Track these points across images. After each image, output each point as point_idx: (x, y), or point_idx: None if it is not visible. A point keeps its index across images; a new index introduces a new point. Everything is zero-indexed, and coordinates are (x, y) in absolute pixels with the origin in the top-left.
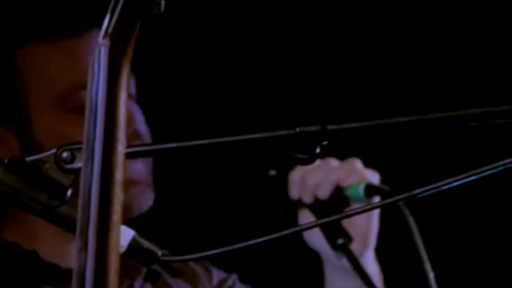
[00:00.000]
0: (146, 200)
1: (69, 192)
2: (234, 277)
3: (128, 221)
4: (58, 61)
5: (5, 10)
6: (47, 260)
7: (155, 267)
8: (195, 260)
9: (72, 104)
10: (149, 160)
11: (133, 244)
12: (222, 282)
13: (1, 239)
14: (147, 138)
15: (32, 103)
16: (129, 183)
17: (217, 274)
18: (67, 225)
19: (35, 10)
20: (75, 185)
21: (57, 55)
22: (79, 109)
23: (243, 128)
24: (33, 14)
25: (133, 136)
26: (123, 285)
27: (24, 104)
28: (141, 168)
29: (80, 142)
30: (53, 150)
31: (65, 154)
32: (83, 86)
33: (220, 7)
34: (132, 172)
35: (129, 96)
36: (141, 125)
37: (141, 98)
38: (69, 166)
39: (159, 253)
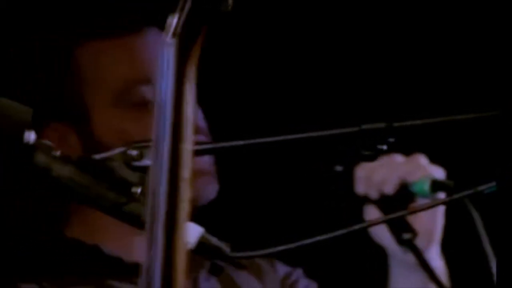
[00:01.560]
0: (210, 190)
1: (137, 190)
2: (299, 271)
3: (195, 217)
4: (116, 58)
5: (63, 9)
6: (110, 255)
7: (219, 261)
8: (263, 256)
9: (131, 100)
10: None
11: (201, 241)
12: (287, 276)
13: (63, 235)
14: (206, 133)
15: (91, 101)
16: (194, 174)
17: (282, 268)
18: (135, 222)
19: (93, 9)
20: (143, 182)
21: (115, 52)
22: (138, 105)
23: (310, 125)
24: (91, 12)
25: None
26: (188, 278)
27: (83, 101)
28: (205, 159)
29: (149, 140)
30: (122, 148)
31: (133, 152)
32: (141, 81)
33: (283, 4)
34: (196, 163)
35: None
36: (201, 121)
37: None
38: (137, 164)
39: (227, 249)
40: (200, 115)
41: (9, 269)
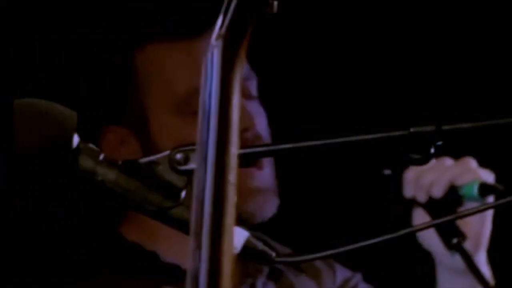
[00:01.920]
0: (270, 208)
1: (182, 194)
2: (358, 276)
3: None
4: (177, 62)
5: (124, 11)
6: (167, 261)
7: (279, 265)
8: (310, 260)
9: (192, 107)
10: (273, 167)
11: (247, 246)
12: (346, 281)
13: (122, 238)
14: (267, 140)
15: (151, 105)
16: (254, 191)
17: (341, 273)
18: (181, 226)
19: (154, 11)
20: (188, 186)
21: (176, 57)
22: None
23: (359, 129)
24: (152, 14)
25: (253, 139)
26: (245, 284)
27: (143, 105)
28: (267, 175)
29: (194, 144)
30: (167, 152)
31: (179, 156)
32: None
33: (337, 6)
34: (257, 180)
35: (251, 97)
36: (261, 128)
37: (264, 99)
38: (183, 168)
39: (273, 254)
40: (263, 120)
41: (67, 271)
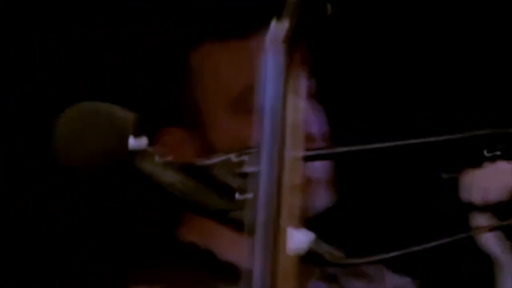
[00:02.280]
0: (323, 199)
1: (239, 196)
2: (408, 280)
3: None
4: (231, 62)
5: (179, 12)
6: (224, 259)
7: (330, 268)
8: (368, 263)
9: (248, 107)
10: (328, 162)
11: (310, 248)
12: (397, 286)
13: (178, 238)
14: (323, 140)
15: (207, 105)
16: (307, 182)
17: (391, 278)
18: (238, 227)
19: (208, 11)
20: (246, 188)
21: (230, 56)
22: (253, 111)
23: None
24: (206, 14)
25: (306, 139)
26: (298, 285)
27: (199, 105)
28: (320, 166)
29: (251, 147)
30: (225, 155)
31: (236, 158)
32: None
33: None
34: (311, 170)
35: (308, 98)
36: (316, 127)
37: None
38: (240, 170)
39: (335, 256)
40: (318, 119)
41: (123, 271)
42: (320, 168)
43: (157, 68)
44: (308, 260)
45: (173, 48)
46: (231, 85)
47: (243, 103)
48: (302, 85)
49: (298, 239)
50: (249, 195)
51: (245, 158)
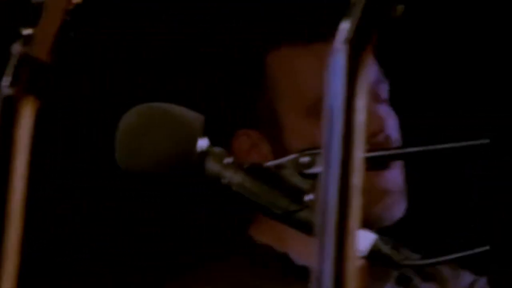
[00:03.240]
0: (398, 210)
1: (308, 197)
2: (483, 280)
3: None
4: (309, 65)
5: (256, 14)
6: (298, 263)
7: (407, 271)
8: (437, 264)
9: (323, 111)
10: (402, 168)
11: (374, 249)
12: (471, 285)
13: (253, 240)
14: (398, 143)
15: (283, 108)
16: (382, 193)
17: (466, 277)
18: (307, 229)
19: (286, 12)
20: (314, 190)
21: (308, 60)
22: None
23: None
24: (284, 16)
25: (384, 143)
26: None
27: (275, 108)
28: (396, 177)
29: (320, 147)
30: (293, 155)
31: (304, 159)
32: None
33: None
34: (386, 181)
35: (381, 100)
36: (393, 131)
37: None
38: (309, 171)
39: (400, 257)
40: (394, 123)
41: (200, 272)
42: (396, 180)
43: (233, 69)
44: (375, 261)
45: (250, 49)
46: (308, 89)
47: (321, 108)
48: (381, 87)
49: (361, 240)
50: (318, 196)
51: (314, 158)
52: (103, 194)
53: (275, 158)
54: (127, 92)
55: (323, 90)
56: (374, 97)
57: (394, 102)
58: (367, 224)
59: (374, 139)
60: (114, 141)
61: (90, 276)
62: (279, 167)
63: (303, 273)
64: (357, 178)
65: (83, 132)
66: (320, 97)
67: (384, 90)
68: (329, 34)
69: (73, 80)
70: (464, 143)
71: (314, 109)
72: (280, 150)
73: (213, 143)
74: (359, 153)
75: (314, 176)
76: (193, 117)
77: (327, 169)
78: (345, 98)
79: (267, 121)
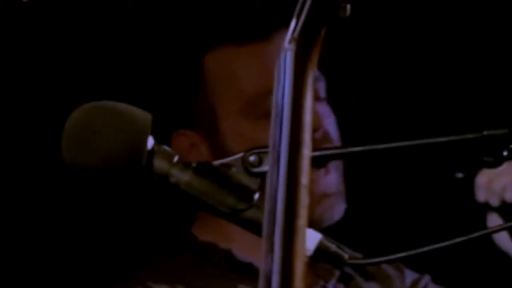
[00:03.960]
0: (337, 212)
1: (256, 196)
2: (426, 278)
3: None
4: (246, 65)
5: (192, 14)
6: (242, 260)
7: (348, 269)
8: (381, 263)
9: (262, 110)
10: (341, 170)
11: (320, 248)
12: (415, 283)
13: (196, 238)
14: (337, 142)
15: (221, 108)
16: (321, 196)
17: (409, 275)
18: (254, 228)
19: (222, 13)
20: (262, 188)
21: (245, 59)
22: (269, 115)
23: (431, 131)
24: (220, 16)
25: (322, 140)
26: (317, 286)
27: (213, 108)
28: (334, 180)
29: (267, 146)
30: (241, 154)
31: (252, 158)
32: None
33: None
34: (324, 185)
35: (319, 98)
36: (331, 129)
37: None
38: (256, 170)
39: (346, 256)
40: (332, 121)
41: (142, 270)
42: (334, 182)
43: (171, 70)
44: (320, 259)
45: (188, 49)
46: (246, 89)
47: (258, 107)
48: (319, 85)
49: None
50: (265, 195)
51: (261, 157)
52: (47, 193)
53: (214, 158)
54: (66, 91)
55: (262, 90)
56: (313, 95)
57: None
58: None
59: (312, 138)
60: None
61: (34, 276)
62: (226, 165)
63: (247, 269)
64: (305, 177)
65: (25, 131)
66: (258, 97)
67: (322, 88)
68: (268, 33)
69: (17, 79)
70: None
71: (252, 109)
72: (218, 150)
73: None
74: (307, 152)
75: (262, 175)
76: (142, 115)
77: (275, 167)
78: (292, 96)
79: (206, 121)
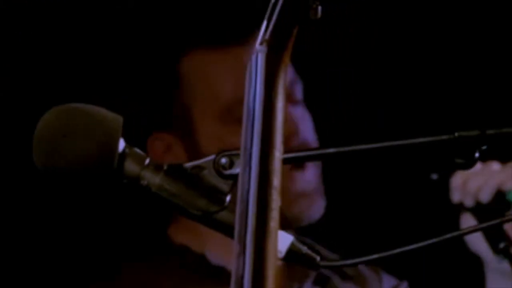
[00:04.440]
0: (316, 210)
1: (227, 198)
2: (405, 284)
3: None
4: (224, 69)
5: (170, 16)
6: (215, 263)
7: (325, 270)
8: (355, 265)
9: (238, 114)
10: (319, 169)
11: (291, 249)
12: None
13: (170, 240)
14: (314, 144)
15: (197, 112)
16: (299, 195)
17: (387, 280)
18: (226, 230)
19: (201, 16)
20: (233, 191)
21: (223, 63)
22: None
23: (405, 133)
24: (199, 20)
25: (299, 145)
26: None
27: (189, 112)
28: (311, 179)
29: (239, 148)
30: (212, 156)
31: (223, 160)
32: None
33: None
34: (302, 183)
35: (296, 101)
36: (308, 134)
37: (310, 103)
38: (228, 172)
39: (317, 258)
40: (310, 125)
41: (117, 273)
42: (312, 181)
43: (148, 71)
44: (292, 261)
45: (163, 54)
46: (222, 94)
47: (235, 112)
48: (296, 88)
49: (279, 241)
50: (237, 197)
51: (232, 159)
52: (18, 195)
53: (190, 160)
54: (41, 93)
55: (238, 94)
56: (289, 99)
57: (309, 103)
58: (285, 225)
59: (288, 143)
60: (32, 141)
61: (6, 279)
62: (198, 168)
63: (220, 273)
64: (277, 179)
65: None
66: (234, 101)
67: (298, 91)
68: (245, 37)
69: None
70: (377, 144)
71: (229, 113)
72: (194, 153)
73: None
74: (279, 154)
75: (234, 177)
76: (113, 117)
77: (247, 169)
78: (264, 98)
79: (182, 124)
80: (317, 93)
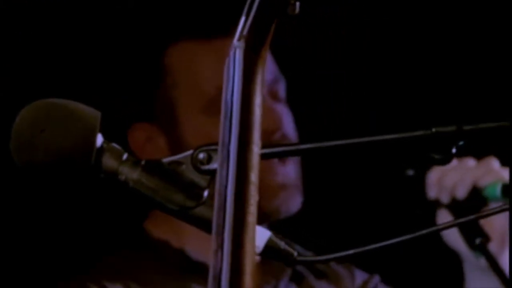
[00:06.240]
0: (294, 203)
1: (205, 193)
2: (376, 278)
3: (272, 222)
4: (209, 61)
5: (156, 6)
6: (195, 259)
7: (300, 268)
8: (330, 260)
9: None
10: (298, 164)
11: (269, 245)
12: (365, 283)
13: (149, 236)
14: (294, 139)
15: (180, 103)
16: (278, 188)
17: (360, 275)
18: (204, 225)
19: (187, 7)
20: (211, 186)
21: (208, 55)
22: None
23: (380, 129)
24: (185, 10)
25: (280, 141)
26: (269, 285)
27: (173, 103)
28: (291, 172)
29: (217, 143)
30: (190, 151)
31: (201, 155)
32: None
33: (360, 8)
34: (281, 176)
35: (279, 99)
36: (289, 129)
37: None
38: (206, 167)
39: (295, 253)
40: (290, 121)
41: (95, 268)
42: (291, 174)
43: (132, 61)
44: (269, 257)
45: (148, 45)
46: (206, 85)
47: (218, 104)
48: (279, 86)
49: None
50: (215, 192)
51: (210, 154)
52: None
53: (171, 152)
54: (20, 88)
55: (221, 88)
56: (272, 96)
57: (291, 101)
58: (263, 217)
59: (271, 137)
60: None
61: None
62: (176, 163)
63: (199, 268)
64: (254, 174)
65: None
66: (219, 93)
67: (282, 89)
68: (230, 29)
69: None
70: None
71: (212, 105)
72: (176, 144)
73: (108, 136)
74: (256, 149)
75: (211, 172)
76: (91, 113)
77: (224, 165)
78: (242, 94)
79: (164, 115)
80: (307, 95)
